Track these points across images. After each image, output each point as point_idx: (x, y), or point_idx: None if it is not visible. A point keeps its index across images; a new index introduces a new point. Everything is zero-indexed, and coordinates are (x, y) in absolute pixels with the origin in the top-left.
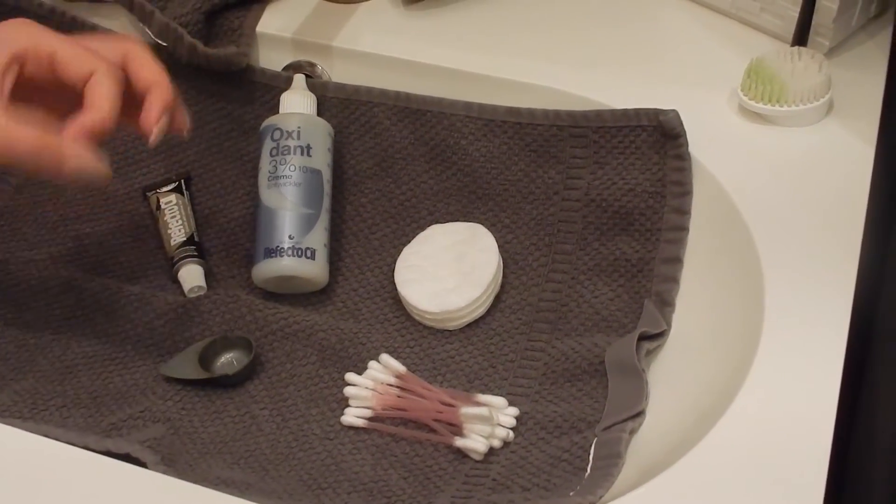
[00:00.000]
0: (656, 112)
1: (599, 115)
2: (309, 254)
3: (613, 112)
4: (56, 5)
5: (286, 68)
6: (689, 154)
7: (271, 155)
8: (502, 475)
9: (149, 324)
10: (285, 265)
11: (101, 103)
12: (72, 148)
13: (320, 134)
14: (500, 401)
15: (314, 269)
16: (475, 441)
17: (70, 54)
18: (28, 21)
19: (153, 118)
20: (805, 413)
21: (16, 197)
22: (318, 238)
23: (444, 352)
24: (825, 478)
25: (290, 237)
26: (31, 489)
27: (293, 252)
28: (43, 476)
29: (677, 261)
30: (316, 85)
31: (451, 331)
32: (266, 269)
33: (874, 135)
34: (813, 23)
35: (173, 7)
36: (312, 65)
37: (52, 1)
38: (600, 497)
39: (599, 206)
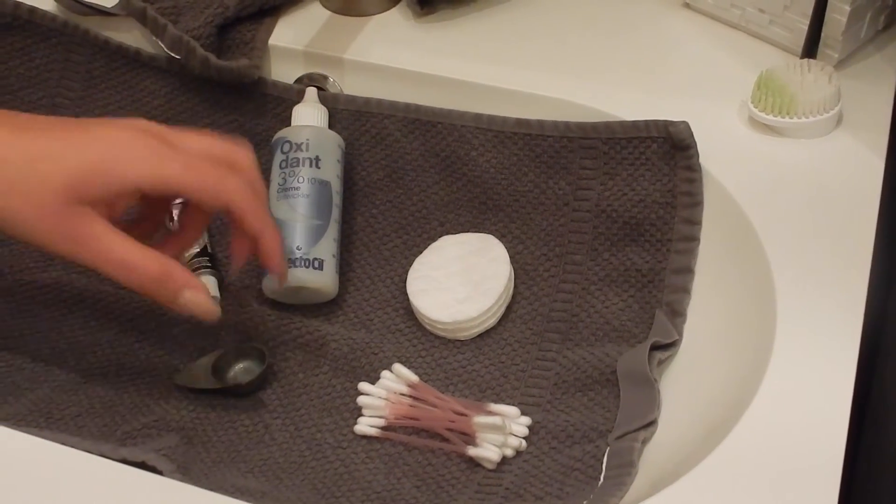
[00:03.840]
0: (666, 123)
1: (609, 126)
2: (317, 264)
3: (623, 123)
4: (69, 18)
5: (298, 80)
6: (699, 165)
7: (281, 167)
8: (515, 484)
9: (163, 334)
10: (293, 276)
11: (268, 230)
12: (191, 281)
13: (330, 146)
14: (512, 410)
15: (322, 280)
16: (488, 450)
17: (198, 188)
18: (145, 130)
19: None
20: (817, 424)
21: None
22: (326, 248)
23: (456, 362)
24: (838, 490)
25: (297, 248)
26: (48, 496)
27: (301, 263)
28: (60, 483)
29: (688, 271)
30: (327, 97)
31: (462, 341)
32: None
33: (884, 146)
34: (822, 35)
35: (186, 20)
36: (324, 77)
37: (65, 14)
38: None
39: (610, 216)
